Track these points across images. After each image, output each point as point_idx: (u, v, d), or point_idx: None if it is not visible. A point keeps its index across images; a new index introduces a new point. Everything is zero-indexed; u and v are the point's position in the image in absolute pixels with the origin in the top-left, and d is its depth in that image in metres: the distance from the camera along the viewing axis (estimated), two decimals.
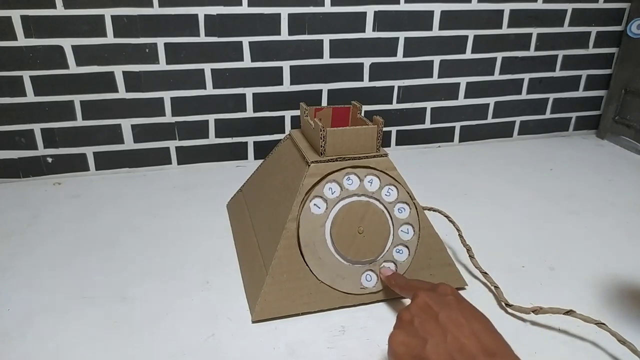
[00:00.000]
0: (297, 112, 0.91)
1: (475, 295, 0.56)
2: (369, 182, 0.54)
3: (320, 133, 0.52)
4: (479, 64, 0.96)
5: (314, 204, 0.52)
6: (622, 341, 0.47)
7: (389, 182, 0.54)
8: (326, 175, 0.53)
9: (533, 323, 0.52)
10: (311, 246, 0.52)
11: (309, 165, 0.52)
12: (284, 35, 0.84)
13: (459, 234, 0.62)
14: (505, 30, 0.95)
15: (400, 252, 0.55)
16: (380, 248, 0.54)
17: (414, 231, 0.55)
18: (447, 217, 0.64)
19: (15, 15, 0.74)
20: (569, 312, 0.50)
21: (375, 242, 0.54)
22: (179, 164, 0.89)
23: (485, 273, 0.57)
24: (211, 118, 0.87)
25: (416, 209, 0.55)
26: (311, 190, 0.52)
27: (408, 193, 0.55)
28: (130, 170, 0.87)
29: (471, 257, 0.60)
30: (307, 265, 0.52)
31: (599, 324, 0.49)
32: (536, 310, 0.51)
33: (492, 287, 0.56)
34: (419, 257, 0.55)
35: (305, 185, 0.52)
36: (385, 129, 0.96)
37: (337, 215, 0.53)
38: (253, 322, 0.51)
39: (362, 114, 0.59)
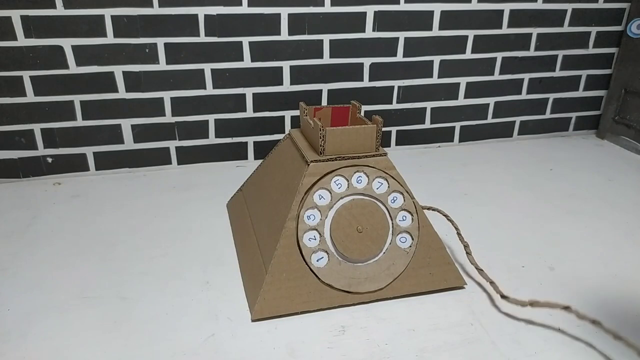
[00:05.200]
0: (297, 112, 0.91)
1: (475, 294, 0.56)
2: (368, 181, 0.54)
3: (320, 132, 0.52)
4: (479, 64, 0.96)
5: (314, 204, 0.52)
6: (618, 337, 0.47)
7: (389, 181, 0.54)
8: (326, 174, 0.53)
9: (532, 323, 0.52)
10: (311, 245, 0.52)
11: (309, 165, 0.52)
12: (284, 35, 0.84)
13: (457, 232, 0.62)
14: (505, 30, 0.95)
15: (399, 252, 0.55)
16: (379, 247, 0.54)
17: (412, 233, 0.55)
18: (445, 215, 0.64)
19: (15, 15, 0.74)
20: (566, 308, 0.50)
21: (374, 241, 0.54)
22: (179, 164, 0.89)
23: (481, 270, 0.57)
24: (211, 118, 0.87)
25: (415, 208, 0.56)
26: (310, 189, 0.52)
27: (407, 192, 0.55)
28: (130, 170, 0.87)
29: (468, 253, 0.59)
30: (306, 264, 0.52)
31: (595, 322, 0.49)
32: (533, 303, 0.51)
33: (488, 283, 0.56)
34: (418, 256, 0.56)
35: (304, 185, 0.52)
36: (385, 129, 0.96)
37: (337, 214, 0.53)
38: (252, 320, 0.51)
39: (362, 114, 0.59)
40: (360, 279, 0.54)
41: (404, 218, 0.55)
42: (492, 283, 0.56)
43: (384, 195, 0.54)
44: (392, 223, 0.55)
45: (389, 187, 0.55)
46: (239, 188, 0.73)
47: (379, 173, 0.54)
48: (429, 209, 0.66)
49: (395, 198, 0.55)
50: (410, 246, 0.55)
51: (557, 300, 0.52)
